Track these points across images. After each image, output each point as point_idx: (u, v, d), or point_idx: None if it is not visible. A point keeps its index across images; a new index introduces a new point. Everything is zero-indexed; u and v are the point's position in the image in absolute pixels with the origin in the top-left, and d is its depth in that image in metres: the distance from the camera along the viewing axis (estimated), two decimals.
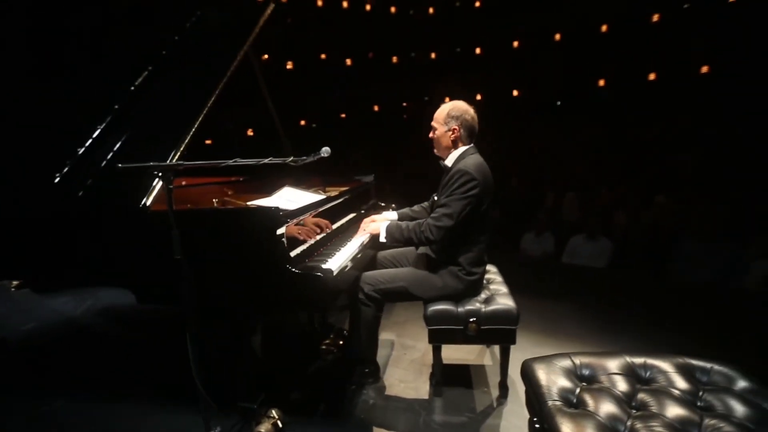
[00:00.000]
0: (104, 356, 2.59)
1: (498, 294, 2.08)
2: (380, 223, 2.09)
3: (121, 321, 3.10)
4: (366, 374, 2.18)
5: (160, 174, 1.49)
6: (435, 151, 2.07)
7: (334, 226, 2.19)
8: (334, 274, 1.63)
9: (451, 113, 1.97)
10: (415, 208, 2.44)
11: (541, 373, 1.32)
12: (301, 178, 2.81)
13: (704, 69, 9.24)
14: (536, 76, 10.63)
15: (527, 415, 1.92)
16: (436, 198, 2.10)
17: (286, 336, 2.52)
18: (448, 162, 2.02)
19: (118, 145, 1.91)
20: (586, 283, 3.85)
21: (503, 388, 2.08)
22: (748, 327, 2.93)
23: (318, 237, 1.97)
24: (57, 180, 1.84)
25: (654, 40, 9.56)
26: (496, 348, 2.54)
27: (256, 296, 1.59)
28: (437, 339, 1.99)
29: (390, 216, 2.38)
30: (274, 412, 1.80)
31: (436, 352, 2.04)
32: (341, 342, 2.51)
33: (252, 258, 1.54)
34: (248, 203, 1.99)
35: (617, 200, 5.30)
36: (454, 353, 2.47)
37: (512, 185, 6.88)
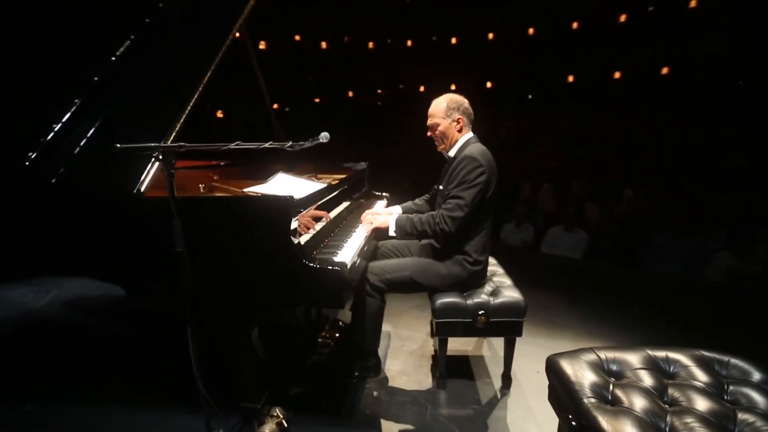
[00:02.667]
0: (79, 352, 2.36)
1: (503, 286, 2.06)
2: (388, 216, 2.04)
3: (93, 313, 2.85)
4: (368, 368, 2.10)
5: (160, 156, 1.32)
6: (438, 147, 2.06)
7: (331, 215, 2.07)
8: (348, 267, 1.55)
9: (450, 105, 1.98)
10: (417, 201, 2.41)
11: (569, 369, 1.29)
12: (291, 165, 2.66)
13: (665, 70, 9.69)
14: (510, 68, 10.76)
15: (531, 405, 1.95)
16: (440, 188, 2.05)
17: (282, 329, 2.40)
18: (452, 153, 2.01)
19: (97, 124, 1.70)
20: (565, 273, 3.96)
21: (506, 379, 2.07)
22: (717, 316, 3.11)
23: (317, 227, 1.87)
24: (29, 162, 1.61)
25: (621, 39, 9.90)
26: (493, 339, 2.56)
27: (266, 292, 1.48)
28: (444, 332, 1.95)
29: (394, 209, 2.32)
30: (277, 410, 1.69)
31: (443, 344, 2.00)
32: (337, 334, 2.43)
33: (264, 251, 1.42)
34: (246, 190, 1.85)
35: (588, 193, 5.48)
36: (452, 344, 2.42)
37: None
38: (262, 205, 1.43)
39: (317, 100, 11.76)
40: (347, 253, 1.72)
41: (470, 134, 2.02)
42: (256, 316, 1.66)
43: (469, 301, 1.93)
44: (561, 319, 2.91)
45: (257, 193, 1.76)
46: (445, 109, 1.98)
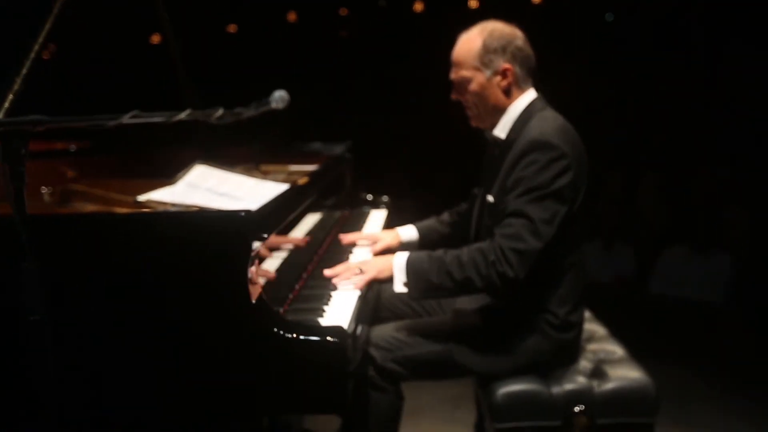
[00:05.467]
0: None
1: (612, 360, 2.09)
2: (390, 258, 2.02)
3: None
4: None
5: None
6: (473, 121, 2.15)
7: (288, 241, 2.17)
8: (349, 333, 1.54)
9: (488, 46, 2.01)
10: (445, 217, 2.51)
11: None
12: (210, 151, 2.60)
13: None
14: None
15: None
16: (489, 198, 2.09)
17: None
18: (501, 131, 2.07)
19: None
20: (699, 328, 4.03)
21: None
22: None
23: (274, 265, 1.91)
24: None
25: None
26: None
27: (197, 396, 1.48)
28: None
29: (405, 235, 2.41)
30: None
31: None
32: None
33: (194, 319, 1.42)
34: (143, 199, 1.83)
35: (726, 188, 5.52)
36: None
37: None
38: (190, 229, 1.42)
39: (232, 29, 11.71)
40: (339, 309, 1.74)
41: (531, 95, 2.06)
42: None
43: (556, 389, 1.94)
44: (707, 415, 2.97)
45: (170, 204, 1.77)
46: (480, 54, 1.99)
